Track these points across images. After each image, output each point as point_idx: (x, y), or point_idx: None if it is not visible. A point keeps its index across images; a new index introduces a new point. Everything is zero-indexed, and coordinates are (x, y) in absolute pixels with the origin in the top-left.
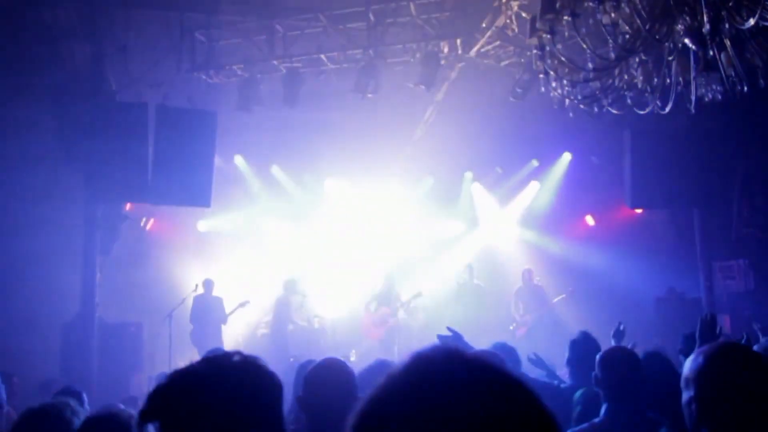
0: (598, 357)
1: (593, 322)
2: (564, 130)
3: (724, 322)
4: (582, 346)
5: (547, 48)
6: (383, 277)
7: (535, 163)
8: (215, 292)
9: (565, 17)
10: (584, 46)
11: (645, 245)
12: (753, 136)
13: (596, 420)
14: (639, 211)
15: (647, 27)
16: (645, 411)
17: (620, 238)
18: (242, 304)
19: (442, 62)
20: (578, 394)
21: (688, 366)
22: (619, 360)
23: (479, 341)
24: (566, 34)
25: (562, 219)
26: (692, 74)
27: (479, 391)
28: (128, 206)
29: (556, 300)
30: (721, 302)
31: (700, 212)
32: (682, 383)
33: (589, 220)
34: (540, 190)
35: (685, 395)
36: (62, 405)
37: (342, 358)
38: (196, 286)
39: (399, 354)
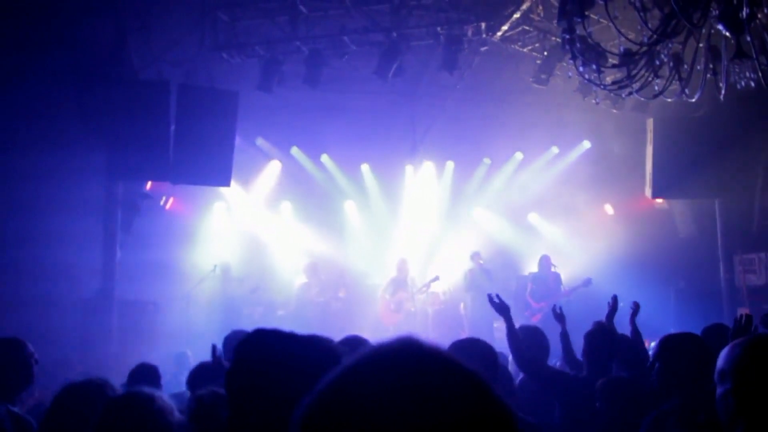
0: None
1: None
2: (584, 117)
3: None
4: (598, 338)
5: (577, 31)
6: (398, 262)
7: (555, 150)
8: (233, 273)
9: (598, 0)
10: (617, 31)
11: (664, 236)
12: None
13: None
14: (659, 201)
15: (682, 12)
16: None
17: (639, 228)
18: (254, 291)
19: (465, 46)
20: (598, 385)
21: (723, 358)
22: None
23: (493, 328)
24: (596, 17)
25: (581, 207)
26: (723, 62)
27: (433, 389)
28: (148, 185)
29: (571, 289)
30: (740, 295)
31: (721, 204)
32: (717, 376)
33: (608, 209)
34: (559, 178)
35: (721, 388)
36: (102, 382)
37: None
38: (215, 267)
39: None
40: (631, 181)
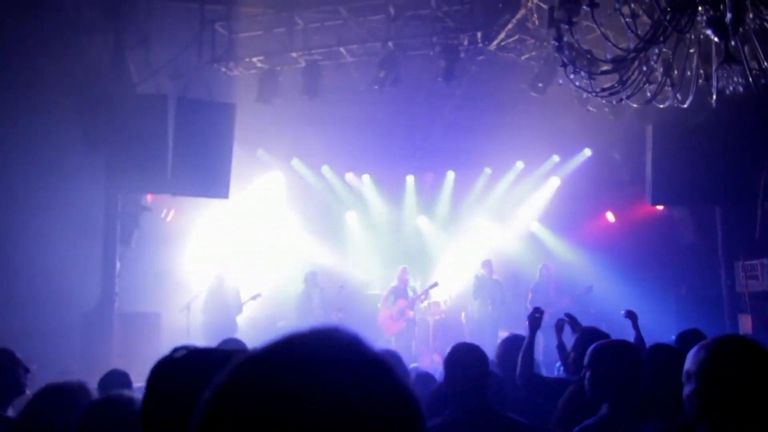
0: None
1: (612, 319)
2: (585, 125)
3: (746, 323)
4: (589, 343)
5: (565, 39)
6: (399, 272)
7: (556, 158)
8: (230, 283)
9: (584, 7)
10: (603, 36)
11: (665, 243)
12: None
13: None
14: (660, 207)
15: (668, 18)
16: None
17: (640, 235)
18: (254, 297)
19: (462, 55)
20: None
21: (689, 359)
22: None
23: (497, 335)
24: (584, 25)
25: (582, 215)
26: (713, 66)
27: (337, 372)
28: (149, 198)
29: (573, 296)
30: (742, 302)
31: (722, 210)
32: (684, 377)
33: (610, 216)
34: (560, 186)
35: (687, 389)
36: (79, 385)
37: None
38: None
39: (416, 348)
40: (633, 189)
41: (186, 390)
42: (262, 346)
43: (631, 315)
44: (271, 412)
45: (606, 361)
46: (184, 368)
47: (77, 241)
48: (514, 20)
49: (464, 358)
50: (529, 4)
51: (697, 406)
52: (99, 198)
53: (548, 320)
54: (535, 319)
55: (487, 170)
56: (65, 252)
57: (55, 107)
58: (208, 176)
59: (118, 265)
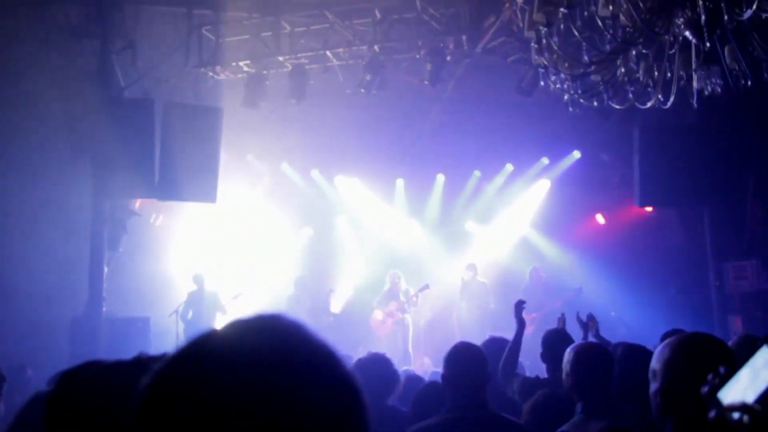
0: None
1: (601, 321)
2: (574, 127)
3: (736, 324)
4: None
5: (544, 41)
6: (390, 275)
7: (545, 161)
8: (208, 286)
9: (562, 9)
10: (580, 38)
11: (655, 244)
12: (766, 132)
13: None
14: (649, 209)
15: (644, 19)
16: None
17: (630, 237)
18: (236, 296)
19: (448, 58)
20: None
21: (654, 358)
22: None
23: (484, 338)
24: (562, 26)
25: (572, 217)
26: (693, 67)
27: (281, 356)
28: (138, 203)
29: (563, 298)
30: (732, 302)
31: (710, 210)
32: (650, 375)
33: (600, 218)
34: (549, 188)
35: (652, 387)
36: None
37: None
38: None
39: (405, 351)
40: (622, 191)
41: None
42: (203, 332)
43: (590, 319)
44: (210, 398)
45: (587, 363)
46: (84, 383)
47: (64, 246)
48: (499, 22)
49: (464, 358)
50: (514, 7)
51: (660, 404)
52: (86, 202)
53: (540, 322)
54: (521, 313)
55: (477, 173)
56: (52, 256)
57: (41, 112)
58: (195, 180)
59: (105, 269)
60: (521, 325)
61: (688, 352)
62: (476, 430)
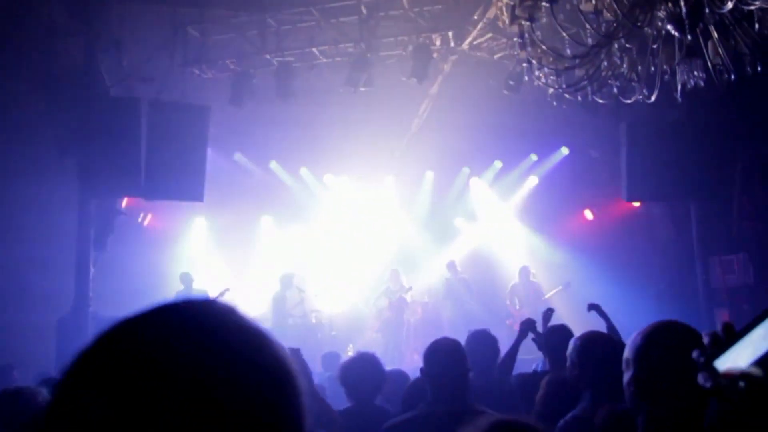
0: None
1: (590, 316)
2: (562, 123)
3: (723, 317)
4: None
5: (527, 36)
6: (389, 273)
7: (534, 157)
8: (196, 285)
9: (544, 3)
10: (562, 32)
11: (643, 239)
12: (752, 127)
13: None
14: (637, 204)
15: (626, 13)
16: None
17: (619, 232)
18: (222, 293)
19: (435, 55)
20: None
21: (627, 347)
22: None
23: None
24: (545, 20)
25: (560, 213)
26: (676, 61)
27: (214, 335)
28: (125, 202)
29: (551, 293)
30: (720, 296)
31: (697, 205)
32: (624, 364)
33: (588, 214)
34: (538, 185)
35: (626, 375)
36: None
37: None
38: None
39: (396, 348)
40: (610, 186)
41: None
42: (135, 312)
43: (594, 307)
44: (137, 374)
45: (593, 352)
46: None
47: (50, 246)
48: (485, 19)
49: (442, 352)
50: (500, 3)
51: (634, 392)
52: (72, 202)
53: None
54: (530, 324)
55: (466, 170)
56: (37, 255)
57: (27, 110)
58: (182, 179)
59: (92, 269)
60: (523, 333)
61: (660, 340)
62: (451, 422)
